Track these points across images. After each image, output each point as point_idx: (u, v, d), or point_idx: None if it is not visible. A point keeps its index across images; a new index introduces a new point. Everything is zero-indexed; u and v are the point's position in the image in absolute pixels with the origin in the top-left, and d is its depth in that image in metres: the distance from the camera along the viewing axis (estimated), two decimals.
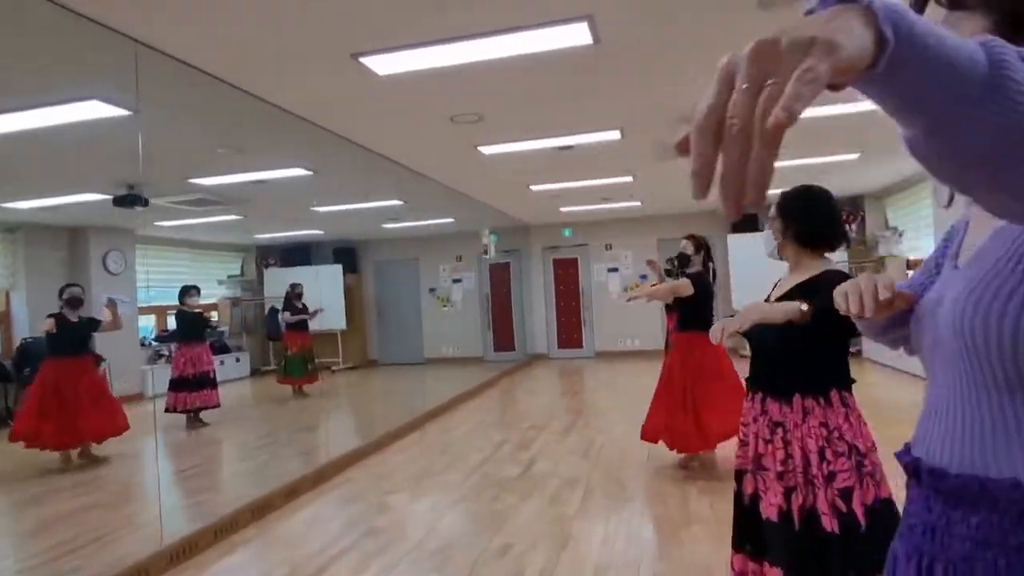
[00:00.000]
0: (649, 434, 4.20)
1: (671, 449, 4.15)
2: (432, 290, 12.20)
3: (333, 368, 10.46)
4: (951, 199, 6.20)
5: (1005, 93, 0.43)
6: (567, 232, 11.43)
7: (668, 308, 7.42)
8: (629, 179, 7.23)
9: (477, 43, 3.26)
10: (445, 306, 12.15)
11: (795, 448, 1.85)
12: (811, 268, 1.97)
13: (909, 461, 0.80)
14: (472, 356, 11.79)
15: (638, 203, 9.34)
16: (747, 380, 2.10)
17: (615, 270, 11.33)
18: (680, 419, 4.02)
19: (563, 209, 9.58)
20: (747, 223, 10.26)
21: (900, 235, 8.94)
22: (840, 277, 1.89)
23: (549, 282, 11.73)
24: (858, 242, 9.73)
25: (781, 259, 2.11)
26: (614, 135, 5.22)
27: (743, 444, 2.04)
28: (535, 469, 4.38)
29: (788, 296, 1.95)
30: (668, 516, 3.35)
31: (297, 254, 11.70)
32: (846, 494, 1.76)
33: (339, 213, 8.57)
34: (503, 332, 11.97)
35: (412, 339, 12.17)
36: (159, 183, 5.80)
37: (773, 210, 2.10)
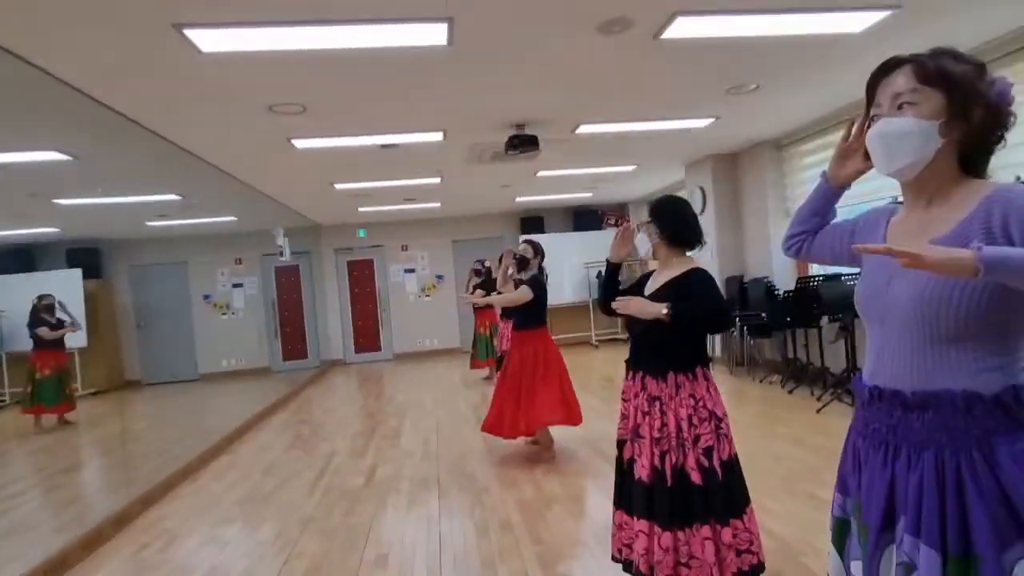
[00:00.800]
0: (487, 426, 4.41)
1: (503, 438, 4.41)
2: (207, 297, 10.91)
3: None
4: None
5: None
6: (362, 233, 11.13)
7: (476, 308, 7.77)
8: (437, 180, 7.34)
9: (324, 29, 3.08)
10: (224, 314, 10.96)
11: (670, 417, 2.17)
12: (678, 266, 2.31)
13: (871, 387, 1.17)
14: (258, 367, 10.84)
15: (437, 204, 9.50)
16: (627, 362, 2.38)
17: (412, 271, 11.35)
18: (511, 408, 4.29)
19: (362, 209, 9.32)
20: (535, 225, 11.12)
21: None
22: (701, 276, 2.29)
23: (343, 284, 11.30)
24: None
25: (654, 258, 2.42)
26: (437, 136, 5.28)
27: (624, 417, 2.33)
28: (379, 476, 4.24)
29: (664, 289, 2.28)
30: (527, 500, 3.54)
31: (14, 258, 9.50)
32: (708, 452, 2.13)
33: (92, 208, 7.21)
34: (293, 339, 11.21)
35: (183, 353, 10.74)
36: None
37: (646, 215, 2.40)
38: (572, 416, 4.39)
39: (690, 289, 2.21)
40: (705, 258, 2.52)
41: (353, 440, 5.33)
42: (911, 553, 1.05)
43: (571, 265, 10.47)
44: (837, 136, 5.35)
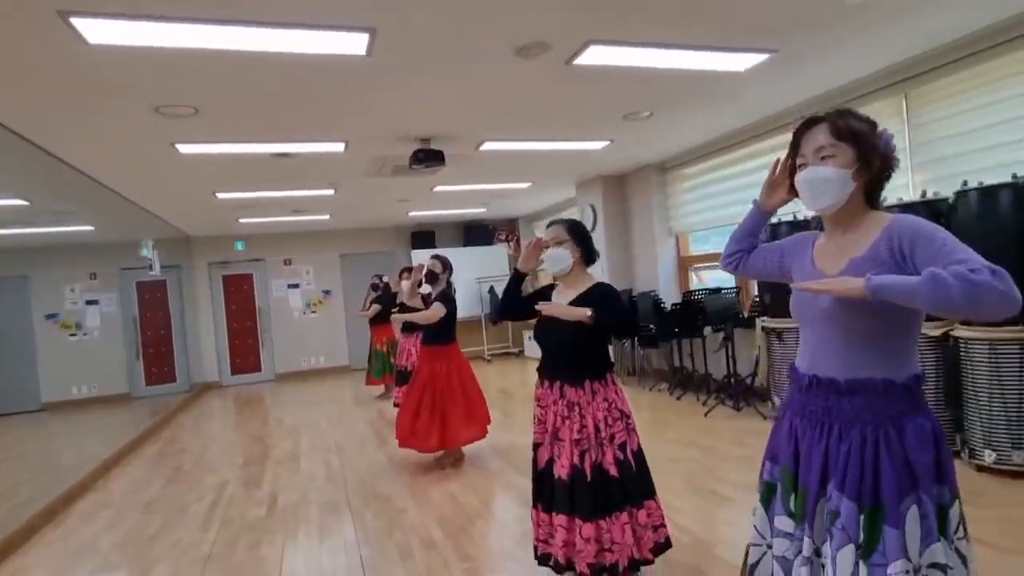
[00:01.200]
0: (404, 441, 4.38)
1: (421, 451, 4.42)
2: (52, 316, 9.65)
3: None
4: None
5: (931, 296, 1.18)
6: (240, 245, 10.43)
7: (372, 323, 7.56)
8: (331, 192, 7.09)
9: (236, 30, 2.91)
10: (74, 335, 9.75)
11: (588, 420, 2.39)
12: (585, 281, 2.57)
13: (810, 376, 1.44)
14: (116, 394, 9.76)
15: (327, 217, 9.16)
16: (540, 371, 2.58)
17: (296, 286, 10.80)
18: (425, 422, 4.31)
19: (243, 220, 8.75)
20: (427, 240, 11.06)
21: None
22: (609, 288, 2.56)
23: (219, 301, 10.50)
24: (514, 257, 11.42)
25: (567, 274, 2.59)
26: (338, 147, 5.12)
27: (541, 423, 2.53)
28: (282, 503, 3.99)
29: (577, 301, 2.49)
30: (447, 517, 3.50)
31: None
32: (622, 447, 2.39)
33: None
34: (159, 361, 10.21)
35: (21, 380, 9.41)
36: None
37: (564, 234, 2.59)
38: (484, 429, 4.49)
39: (598, 300, 2.44)
40: (596, 273, 2.75)
41: (245, 468, 4.96)
42: (837, 504, 1.34)
43: (463, 280, 10.42)
44: (716, 161, 5.91)
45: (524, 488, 2.42)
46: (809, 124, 1.45)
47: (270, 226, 9.62)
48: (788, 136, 5.07)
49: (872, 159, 1.39)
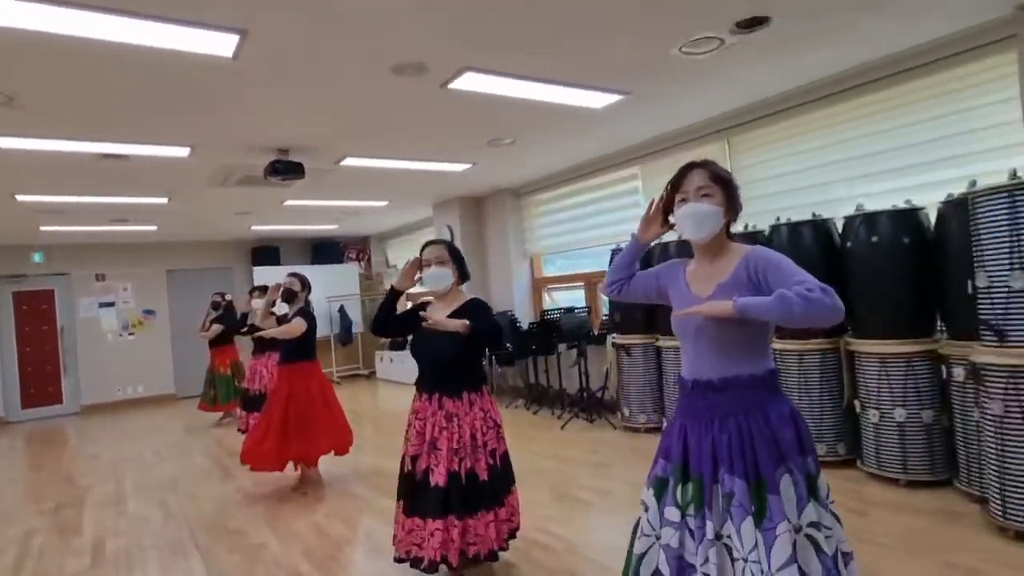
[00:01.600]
0: (258, 462, 4.14)
1: (267, 470, 4.23)
2: None
3: None
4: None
5: (779, 311, 1.51)
6: (38, 257, 9.00)
7: (212, 345, 6.92)
8: (164, 201, 6.42)
9: (79, 13, 2.59)
10: None
11: (465, 430, 2.61)
12: (460, 298, 2.80)
13: (692, 381, 1.70)
14: None
15: (154, 227, 8.24)
16: (419, 384, 2.75)
17: (110, 304, 9.54)
18: (295, 443, 4.16)
19: (46, 228, 7.57)
20: (270, 256, 10.42)
21: (398, 270, 10.75)
22: (480, 302, 2.80)
23: (7, 321, 8.93)
24: (365, 276, 11.15)
25: (446, 292, 2.81)
26: (182, 152, 4.69)
27: (419, 434, 2.67)
28: (111, 550, 3.49)
29: (455, 316, 2.68)
30: (313, 547, 3.31)
31: None
32: (492, 453, 2.64)
33: None
34: None
35: None
36: None
37: (446, 254, 2.80)
38: (347, 447, 4.46)
39: (472, 314, 2.67)
40: None
41: (56, 515, 4.25)
42: (731, 485, 1.57)
43: (311, 299, 9.99)
44: (567, 189, 6.42)
45: (391, 509, 2.46)
46: (690, 167, 1.75)
47: (80, 236, 8.43)
48: (634, 169, 5.63)
49: (733, 200, 1.73)
